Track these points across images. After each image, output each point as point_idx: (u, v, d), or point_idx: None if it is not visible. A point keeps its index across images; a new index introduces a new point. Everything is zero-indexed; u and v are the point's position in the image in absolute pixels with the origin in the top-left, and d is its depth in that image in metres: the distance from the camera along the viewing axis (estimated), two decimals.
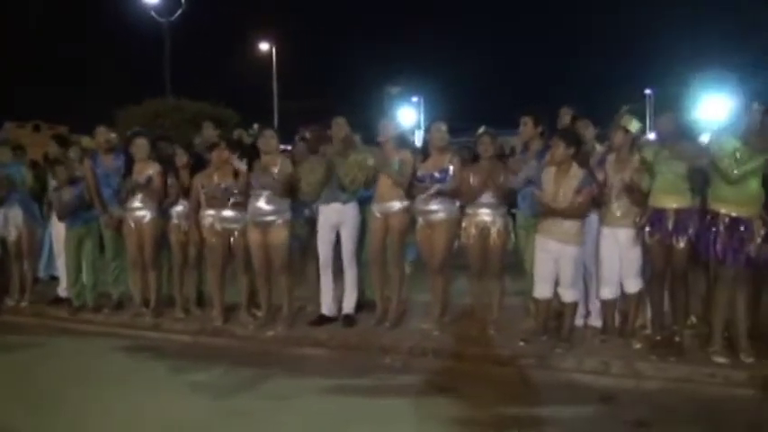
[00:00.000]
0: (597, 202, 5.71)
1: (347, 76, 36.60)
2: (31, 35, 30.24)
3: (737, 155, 5.01)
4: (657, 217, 5.38)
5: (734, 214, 5.08)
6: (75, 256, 7.51)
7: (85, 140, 9.33)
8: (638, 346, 5.56)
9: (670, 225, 5.31)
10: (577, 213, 5.56)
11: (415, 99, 36.10)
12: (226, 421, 4.69)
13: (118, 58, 32.49)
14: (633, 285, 5.70)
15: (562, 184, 5.57)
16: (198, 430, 4.59)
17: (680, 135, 5.44)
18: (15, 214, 7.84)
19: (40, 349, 6.61)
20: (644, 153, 5.43)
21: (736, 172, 4.99)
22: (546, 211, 5.58)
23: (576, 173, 5.57)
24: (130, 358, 6.25)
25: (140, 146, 7.08)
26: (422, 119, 33.56)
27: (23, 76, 28.92)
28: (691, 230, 5.26)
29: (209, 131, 7.50)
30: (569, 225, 5.56)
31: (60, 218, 7.54)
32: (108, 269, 7.62)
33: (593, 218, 5.83)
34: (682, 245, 5.29)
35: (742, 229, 5.05)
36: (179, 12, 27.02)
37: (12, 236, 7.88)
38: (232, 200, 6.61)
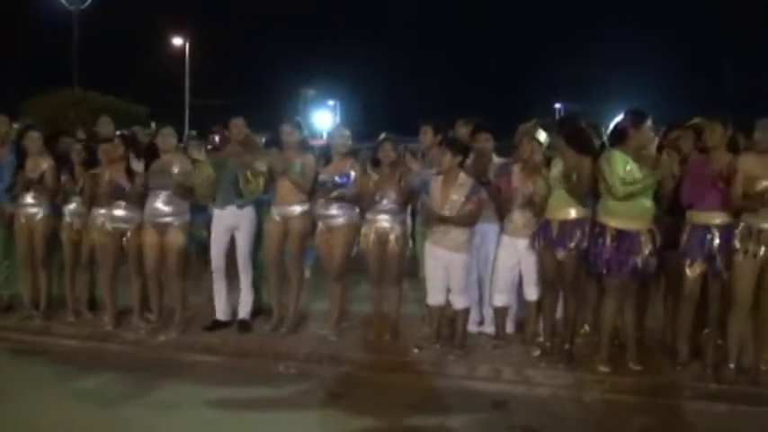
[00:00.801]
0: (499, 211, 5.83)
1: (263, 76, 36.08)
2: None
3: (626, 173, 5.14)
4: (544, 227, 5.53)
5: (621, 227, 5.22)
6: None
7: None
8: (537, 353, 5.68)
9: (554, 235, 5.45)
10: (467, 222, 5.64)
11: (331, 102, 36.11)
12: (108, 431, 4.54)
13: (21, 46, 31.03)
14: (533, 293, 5.85)
15: (449, 192, 5.64)
16: None
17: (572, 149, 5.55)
18: None
19: None
20: (553, 166, 5.52)
21: (622, 190, 5.12)
22: (436, 220, 5.62)
23: (464, 181, 5.66)
24: (15, 363, 5.98)
25: (33, 139, 6.75)
26: (337, 122, 33.61)
27: None
28: (574, 242, 5.39)
29: (107, 127, 7.21)
30: (458, 233, 5.63)
31: None
32: None
33: (490, 227, 5.94)
34: (562, 255, 5.43)
35: (629, 241, 5.19)
36: (89, 0, 26.20)
37: None
38: (123, 199, 6.39)
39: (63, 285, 6.99)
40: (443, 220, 5.58)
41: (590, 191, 5.38)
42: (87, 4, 26.18)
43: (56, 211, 6.79)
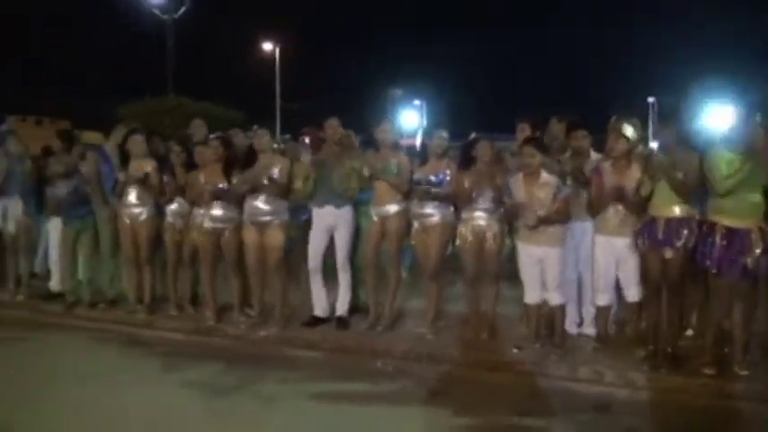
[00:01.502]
0: (592, 209, 5.71)
1: (351, 77, 36.59)
2: (34, 31, 30.26)
3: (728, 167, 4.98)
4: (650, 226, 5.36)
5: (731, 225, 5.04)
6: (71, 252, 7.49)
7: (87, 135, 9.30)
8: (640, 355, 5.51)
9: (660, 234, 5.28)
10: (560, 220, 5.60)
11: (417, 102, 36.05)
12: (213, 420, 4.69)
13: (120, 56, 32.48)
14: (633, 294, 5.68)
15: (534, 191, 5.60)
16: (186, 428, 4.58)
17: (680, 145, 5.41)
18: (15, 207, 7.82)
19: (33, 344, 6.60)
20: (651, 161, 5.37)
21: (724, 184, 4.96)
22: (533, 220, 5.53)
23: (548, 180, 5.61)
24: (123, 355, 6.24)
25: (137, 142, 7.05)
26: (424, 122, 33.55)
27: (25, 71, 28.92)
28: (681, 240, 5.22)
29: (200, 130, 7.46)
30: (550, 228, 5.58)
31: (54, 212, 7.52)
32: (104, 266, 7.58)
33: (588, 225, 5.82)
34: (669, 255, 5.26)
35: (739, 240, 5.01)
36: (182, 9, 27.03)
37: (10, 229, 7.85)
38: (221, 199, 6.59)
39: (166, 282, 7.28)
40: (541, 220, 5.52)
41: (696, 188, 5.21)
42: (180, 13, 27.09)
43: (159, 212, 7.08)
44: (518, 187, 5.67)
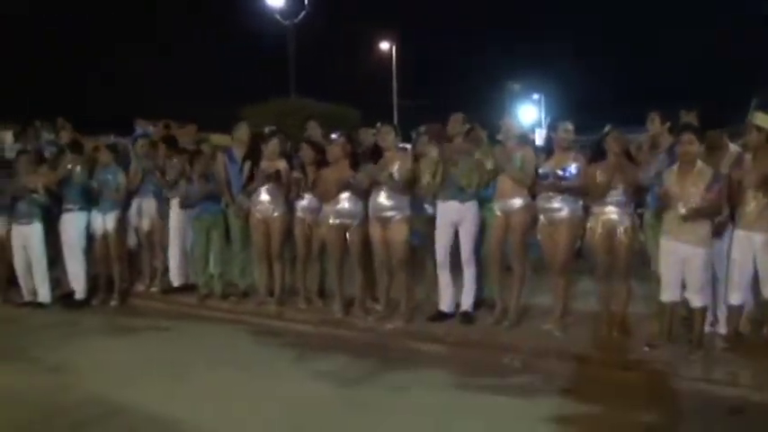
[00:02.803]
0: (731, 202, 5.43)
1: (467, 73, 36.38)
2: (161, 39, 31.95)
3: None
4: None
5: None
6: (203, 246, 7.90)
7: (215, 138, 9.77)
8: None
9: None
10: (710, 213, 5.31)
11: (535, 96, 35.45)
12: (344, 409, 4.82)
13: (244, 60, 33.75)
14: None
15: (687, 183, 5.33)
16: (319, 416, 4.72)
17: None
18: (149, 205, 8.31)
19: (168, 333, 7.03)
20: None
21: None
22: (681, 214, 5.31)
23: (703, 170, 5.32)
24: (255, 344, 6.53)
25: (273, 145, 7.38)
26: (542, 116, 32.94)
27: (155, 76, 30.57)
28: None
29: (315, 131, 7.68)
30: (698, 226, 5.31)
31: (186, 206, 7.93)
32: (235, 260, 7.94)
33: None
34: None
35: None
36: (302, 14, 27.72)
37: (145, 225, 8.36)
38: (346, 195, 6.75)
39: (295, 275, 7.53)
40: (693, 213, 5.27)
41: None
42: (300, 17, 27.84)
43: (289, 208, 7.33)
44: (671, 177, 5.43)
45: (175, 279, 8.38)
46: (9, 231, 8.26)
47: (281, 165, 7.28)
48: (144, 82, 30.16)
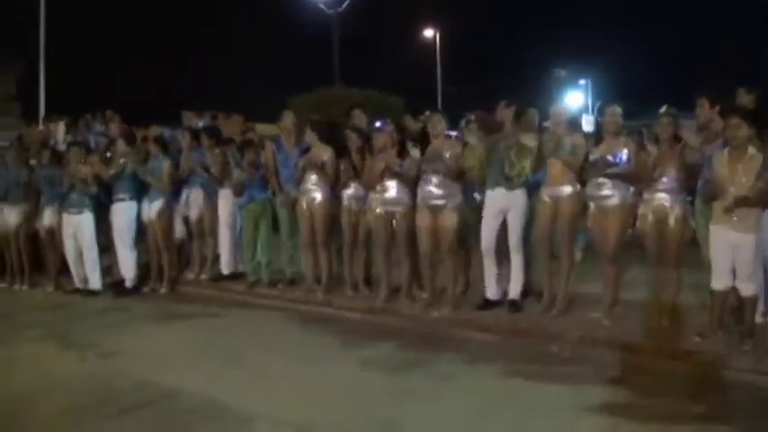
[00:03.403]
0: None
1: (511, 59, 35.92)
2: (206, 31, 32.24)
3: None
4: None
5: None
6: (252, 234, 8.01)
7: (262, 128, 9.88)
8: None
9: None
10: (762, 201, 5.13)
11: (582, 82, 34.81)
12: (391, 396, 4.83)
13: (288, 49, 33.89)
14: None
15: (737, 169, 5.16)
16: (367, 402, 4.74)
17: None
18: (197, 195, 8.48)
19: (218, 319, 7.15)
20: None
21: None
22: (731, 202, 5.15)
23: (754, 155, 5.14)
24: (303, 331, 6.60)
25: (311, 135, 7.45)
26: (589, 102, 32.37)
27: (201, 68, 30.94)
28: None
29: (360, 119, 7.70)
30: (747, 213, 5.13)
31: (238, 194, 8.03)
32: (283, 248, 8.03)
33: None
34: None
35: None
36: (346, 2, 27.74)
37: (193, 215, 8.51)
38: (392, 183, 6.76)
39: (342, 263, 7.57)
40: (740, 202, 5.10)
41: None
42: (344, 6, 27.85)
43: (335, 196, 7.37)
44: (721, 163, 5.27)
45: (225, 267, 8.51)
46: (60, 221, 8.50)
47: (327, 153, 7.31)
48: (191, 74, 30.54)
